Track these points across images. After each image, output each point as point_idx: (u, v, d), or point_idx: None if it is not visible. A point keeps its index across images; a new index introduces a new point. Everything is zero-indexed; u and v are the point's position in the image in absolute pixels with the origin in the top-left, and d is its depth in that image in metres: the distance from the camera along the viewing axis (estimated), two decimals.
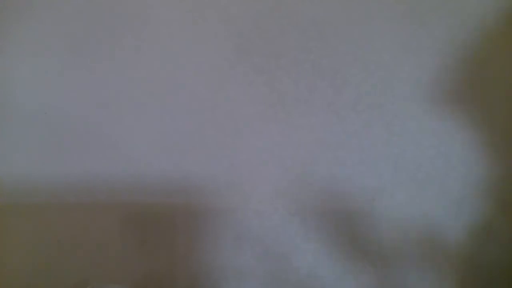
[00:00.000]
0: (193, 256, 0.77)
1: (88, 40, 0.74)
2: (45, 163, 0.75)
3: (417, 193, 0.76)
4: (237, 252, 0.77)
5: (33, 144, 0.75)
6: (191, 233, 0.77)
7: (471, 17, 0.74)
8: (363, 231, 0.77)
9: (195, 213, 0.76)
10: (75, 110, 0.75)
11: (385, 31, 0.75)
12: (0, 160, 0.75)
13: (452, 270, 0.77)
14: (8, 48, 0.74)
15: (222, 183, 0.76)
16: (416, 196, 0.76)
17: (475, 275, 0.77)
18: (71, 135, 0.75)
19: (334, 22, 0.75)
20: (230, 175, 0.76)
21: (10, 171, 0.75)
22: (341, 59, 0.75)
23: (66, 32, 0.74)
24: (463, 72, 0.75)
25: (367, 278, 0.77)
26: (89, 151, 0.75)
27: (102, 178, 0.75)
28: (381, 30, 0.75)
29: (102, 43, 0.74)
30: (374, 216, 0.76)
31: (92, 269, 0.77)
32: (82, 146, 0.75)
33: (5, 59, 0.74)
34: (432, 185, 0.76)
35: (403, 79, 0.75)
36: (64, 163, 0.75)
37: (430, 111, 0.75)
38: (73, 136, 0.75)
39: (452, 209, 0.76)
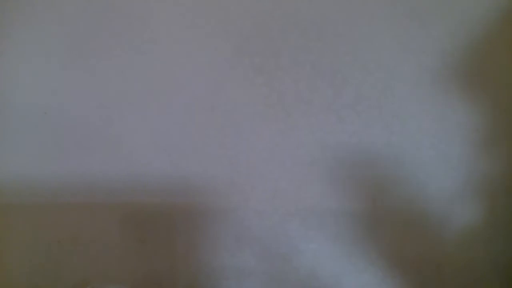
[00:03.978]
0: (193, 256, 0.77)
1: (88, 40, 0.74)
2: (45, 163, 0.75)
3: (417, 193, 0.76)
4: (237, 252, 0.77)
5: (33, 144, 0.75)
6: (191, 233, 0.77)
7: (471, 17, 0.74)
8: (363, 231, 0.77)
9: (195, 213, 0.76)
10: (75, 110, 0.75)
11: (385, 31, 0.75)
12: (0, 160, 0.75)
13: (452, 270, 0.77)
14: (8, 48, 0.74)
15: (222, 183, 0.76)
16: (416, 196, 0.76)
17: (475, 275, 0.77)
18: (71, 135, 0.75)
19: (334, 22, 0.75)
20: (230, 175, 0.76)
21: (10, 171, 0.75)
22: (341, 59, 0.75)
23: (66, 32, 0.74)
24: (463, 72, 0.75)
25: (368, 278, 0.77)
26: (89, 151, 0.75)
27: (102, 178, 0.75)
28: (381, 30, 0.75)
29: (102, 43, 0.74)
30: (374, 216, 0.76)
31: (92, 269, 0.77)
32: (82, 146, 0.75)
33: (5, 59, 0.74)
34: (432, 185, 0.76)
35: (403, 79, 0.75)
36: (64, 163, 0.75)
37: (430, 111, 0.75)
38: (73, 136, 0.75)
39: (452, 209, 0.76)
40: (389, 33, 0.75)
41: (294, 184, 0.76)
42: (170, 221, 0.77)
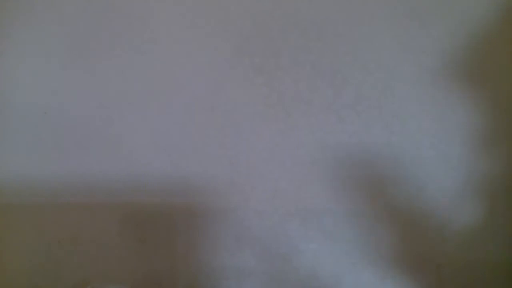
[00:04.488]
0: (193, 256, 0.77)
1: (88, 40, 0.74)
2: (45, 163, 0.75)
3: (417, 193, 0.76)
4: (237, 252, 0.77)
5: (33, 144, 0.75)
6: (191, 233, 0.77)
7: (471, 17, 0.74)
8: (363, 231, 0.77)
9: (195, 213, 0.76)
10: (75, 110, 0.75)
11: (385, 31, 0.75)
12: (0, 160, 0.75)
13: (452, 270, 0.77)
14: (8, 48, 0.74)
15: (222, 183, 0.76)
16: (416, 196, 0.76)
17: (475, 275, 0.77)
18: (71, 135, 0.75)
19: (334, 22, 0.75)
20: (230, 175, 0.76)
21: (10, 171, 0.75)
22: (341, 59, 0.75)
23: (66, 32, 0.74)
24: (463, 72, 0.75)
25: (368, 278, 0.77)
26: (89, 151, 0.75)
27: (102, 178, 0.75)
28: (381, 30, 0.75)
29: (102, 43, 0.74)
30: (374, 216, 0.76)
31: (92, 269, 0.77)
32: (82, 146, 0.75)
33: (5, 59, 0.74)
34: (432, 185, 0.76)
35: (403, 79, 0.75)
36: (64, 163, 0.75)
37: (430, 111, 0.75)
38: (73, 136, 0.75)
39: (452, 209, 0.76)
40: (389, 33, 0.75)
41: (294, 184, 0.76)
42: (170, 221, 0.77)
